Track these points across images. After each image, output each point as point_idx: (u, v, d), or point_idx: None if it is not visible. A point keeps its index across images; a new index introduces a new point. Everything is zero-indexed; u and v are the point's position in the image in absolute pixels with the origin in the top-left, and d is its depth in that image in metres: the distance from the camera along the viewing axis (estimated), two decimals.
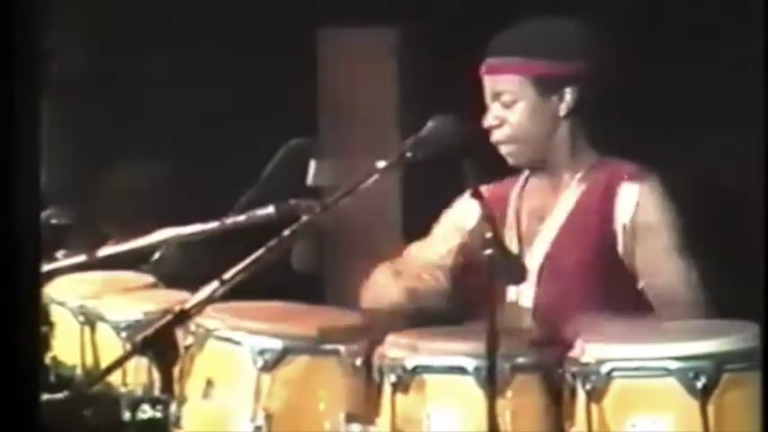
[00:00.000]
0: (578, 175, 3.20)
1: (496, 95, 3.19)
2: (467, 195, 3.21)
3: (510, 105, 3.18)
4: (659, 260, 3.10)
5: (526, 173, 3.29)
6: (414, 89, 4.67)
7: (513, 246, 3.18)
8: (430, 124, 2.91)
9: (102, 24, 4.62)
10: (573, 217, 3.18)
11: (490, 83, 3.20)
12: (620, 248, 3.13)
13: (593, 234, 3.14)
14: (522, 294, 3.15)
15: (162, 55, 4.78)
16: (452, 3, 4.44)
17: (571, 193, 3.20)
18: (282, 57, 4.76)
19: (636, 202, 3.13)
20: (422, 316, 3.19)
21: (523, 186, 3.28)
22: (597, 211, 3.16)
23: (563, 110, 3.19)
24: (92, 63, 4.40)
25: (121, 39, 4.74)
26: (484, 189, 3.17)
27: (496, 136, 3.20)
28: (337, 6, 4.70)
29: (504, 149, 3.21)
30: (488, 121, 3.20)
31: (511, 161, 3.23)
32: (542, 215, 3.20)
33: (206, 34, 4.81)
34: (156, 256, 3.42)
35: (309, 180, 3.25)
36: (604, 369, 2.67)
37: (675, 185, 3.19)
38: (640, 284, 3.11)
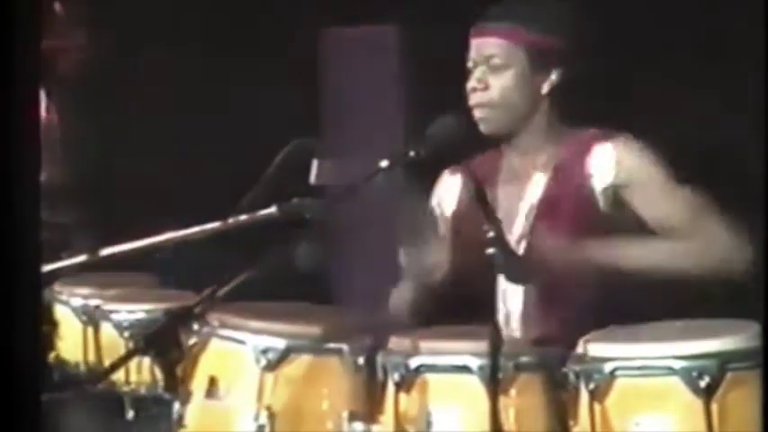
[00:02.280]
0: (549, 151, 3.17)
1: (485, 59, 3.15)
2: (443, 179, 3.22)
3: (498, 70, 3.15)
4: (663, 200, 3.06)
5: (501, 156, 3.24)
6: (416, 88, 4.68)
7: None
8: (433, 123, 2.91)
9: (103, 23, 4.63)
10: (547, 192, 3.14)
11: (480, 45, 3.17)
12: (601, 206, 3.11)
13: (571, 203, 3.10)
14: (509, 287, 3.13)
15: (165, 54, 4.78)
16: (454, 0, 4.44)
17: (543, 171, 3.17)
18: (285, 56, 4.76)
19: (614, 162, 3.10)
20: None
21: (498, 169, 3.24)
22: (571, 179, 3.12)
23: (545, 88, 3.17)
24: (94, 63, 4.40)
25: (122, 38, 4.74)
26: (459, 167, 3.17)
27: (477, 98, 3.16)
28: (340, 5, 4.70)
29: (480, 113, 3.16)
30: (472, 83, 3.17)
31: (483, 127, 3.17)
32: (519, 198, 3.17)
33: (208, 34, 4.81)
34: (160, 255, 3.41)
35: (312, 179, 3.25)
36: (608, 368, 2.67)
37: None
38: (652, 228, 3.06)
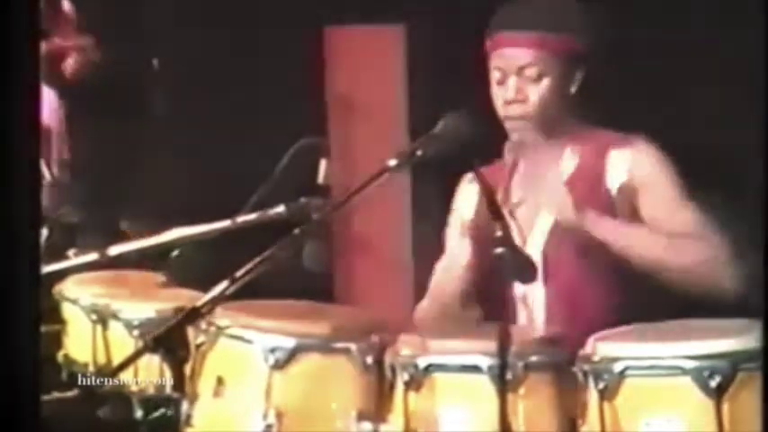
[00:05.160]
0: (567, 151, 3.15)
1: (517, 69, 3.11)
2: (462, 187, 3.22)
3: (536, 80, 3.11)
4: (666, 207, 3.06)
5: (511, 156, 3.21)
6: (423, 87, 4.67)
7: (514, 234, 3.15)
8: (441, 122, 2.89)
9: (110, 24, 4.63)
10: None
11: (509, 55, 3.11)
12: (617, 209, 3.09)
13: (590, 205, 3.09)
14: (531, 291, 3.13)
15: (172, 55, 4.78)
16: (460, 1, 4.44)
17: (564, 170, 3.14)
18: (291, 55, 4.76)
19: (628, 165, 3.09)
20: None
21: (513, 170, 3.21)
22: (588, 182, 3.10)
23: (573, 87, 3.14)
24: (103, 62, 4.41)
25: (129, 39, 4.74)
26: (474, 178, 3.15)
27: (514, 111, 3.12)
28: (346, 4, 4.70)
29: (514, 124, 3.13)
30: (509, 94, 3.13)
31: (517, 136, 3.15)
32: (540, 197, 3.14)
33: (213, 34, 4.81)
34: (174, 254, 3.40)
35: (320, 179, 3.25)
36: (617, 368, 2.66)
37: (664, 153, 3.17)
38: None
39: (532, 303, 3.14)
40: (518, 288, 3.13)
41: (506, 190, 3.20)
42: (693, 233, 3.03)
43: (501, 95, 3.13)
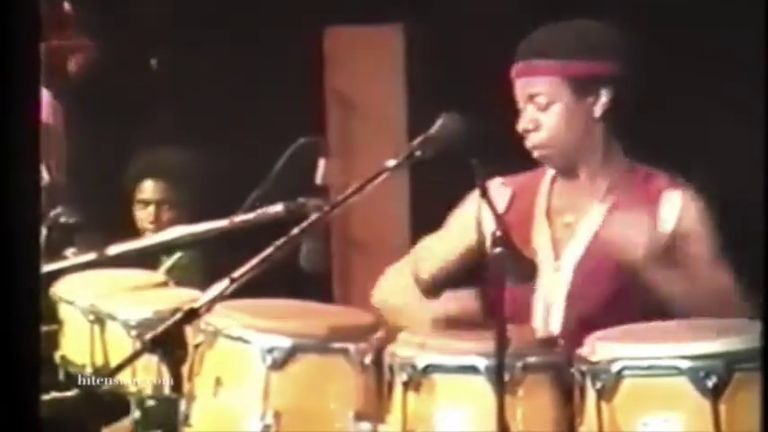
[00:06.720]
0: (609, 183, 3.16)
1: (530, 98, 3.14)
2: (492, 190, 3.21)
3: (545, 108, 3.13)
4: (702, 266, 3.05)
5: (554, 176, 3.24)
6: (422, 87, 4.68)
7: (546, 247, 3.16)
8: (439, 122, 2.89)
9: (109, 23, 4.63)
10: (605, 226, 3.13)
11: (524, 85, 3.15)
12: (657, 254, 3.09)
13: None
14: (553, 306, 3.13)
15: (171, 55, 4.79)
16: (459, 0, 4.44)
17: (602, 201, 3.16)
18: (290, 55, 4.77)
19: (680, 210, 3.09)
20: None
21: (553, 182, 3.24)
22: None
23: (598, 111, 3.14)
24: (105, 61, 4.41)
25: (128, 39, 4.74)
26: (511, 179, 3.17)
27: (532, 141, 3.15)
28: (345, 4, 4.71)
29: (538, 153, 3.16)
30: (523, 124, 3.15)
31: (547, 164, 3.19)
32: (572, 221, 3.16)
33: (213, 34, 4.81)
34: (177, 256, 3.41)
35: (318, 179, 3.25)
36: (615, 368, 2.66)
37: (703, 187, 3.16)
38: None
39: (551, 309, 3.14)
40: (539, 293, 3.13)
41: (549, 194, 3.21)
42: (728, 293, 3.02)
43: (520, 127, 3.17)
